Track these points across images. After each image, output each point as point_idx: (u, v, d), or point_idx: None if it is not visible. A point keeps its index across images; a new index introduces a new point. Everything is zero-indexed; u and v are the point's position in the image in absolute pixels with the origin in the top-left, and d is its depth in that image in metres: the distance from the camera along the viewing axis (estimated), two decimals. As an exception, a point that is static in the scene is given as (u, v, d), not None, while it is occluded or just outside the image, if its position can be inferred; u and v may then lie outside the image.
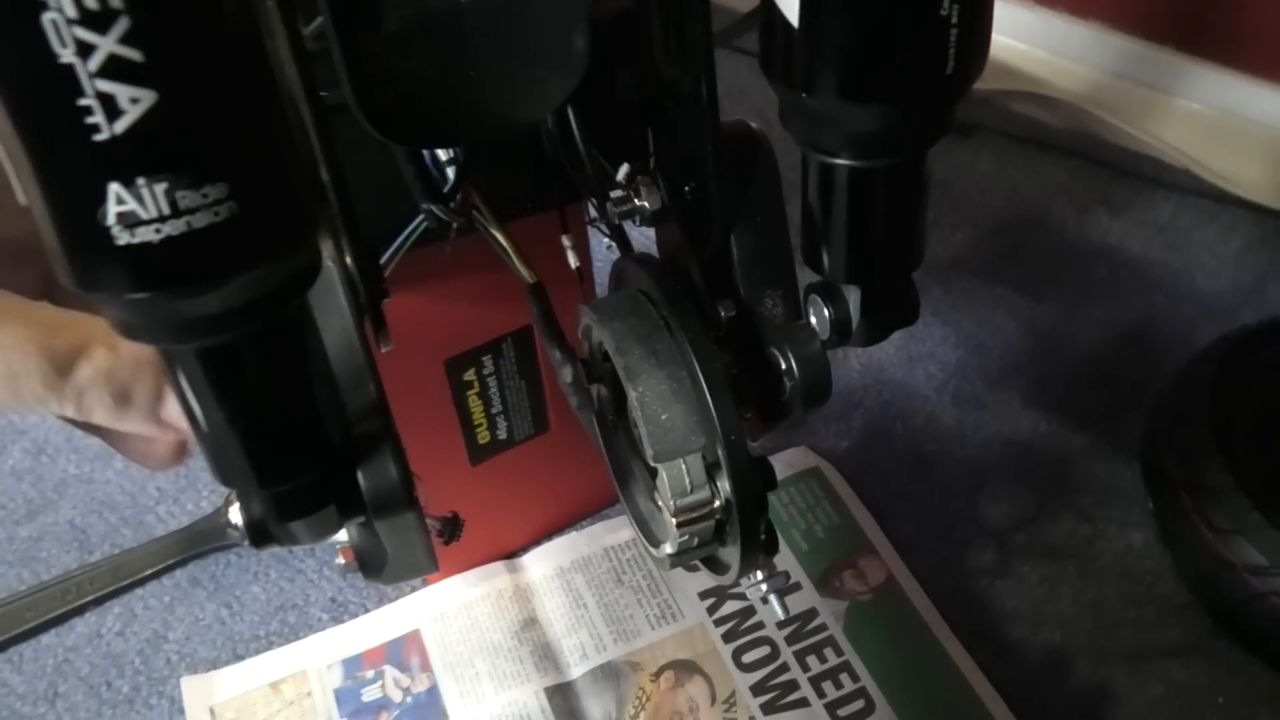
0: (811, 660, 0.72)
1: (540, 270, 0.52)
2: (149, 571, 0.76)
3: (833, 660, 0.72)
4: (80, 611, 0.74)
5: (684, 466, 0.34)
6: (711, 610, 0.74)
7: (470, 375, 0.65)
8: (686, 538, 0.35)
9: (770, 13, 0.29)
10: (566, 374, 0.50)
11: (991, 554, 0.78)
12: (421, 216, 0.49)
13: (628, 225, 0.43)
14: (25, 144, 0.20)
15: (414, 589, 0.75)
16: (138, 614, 0.75)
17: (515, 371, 0.66)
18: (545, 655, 0.71)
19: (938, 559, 0.78)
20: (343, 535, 0.74)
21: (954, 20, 0.26)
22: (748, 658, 0.72)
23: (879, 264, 0.32)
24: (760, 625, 0.73)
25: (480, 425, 0.67)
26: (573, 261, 0.54)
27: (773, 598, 0.39)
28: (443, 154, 0.48)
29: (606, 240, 0.52)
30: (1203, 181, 1.04)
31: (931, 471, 0.83)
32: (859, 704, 0.69)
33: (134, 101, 0.19)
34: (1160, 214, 1.04)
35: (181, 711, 0.69)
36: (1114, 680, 0.72)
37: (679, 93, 0.35)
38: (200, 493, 0.81)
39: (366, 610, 0.75)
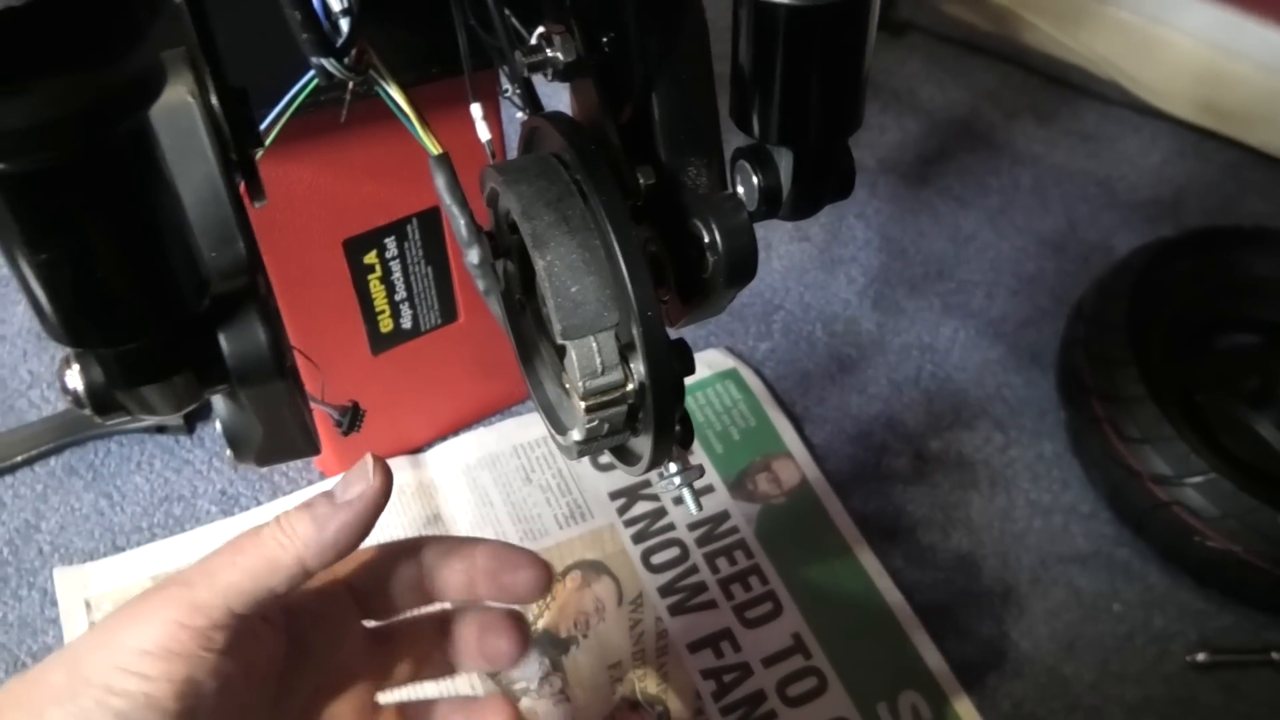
0: (722, 563, 0.71)
1: (448, 142, 0.47)
2: (20, 458, 0.70)
3: (743, 563, 0.71)
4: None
5: (595, 345, 0.31)
6: (622, 511, 0.72)
7: (371, 258, 0.60)
8: (595, 423, 0.32)
9: None
10: (474, 255, 0.46)
11: (906, 460, 0.78)
12: (311, 73, 0.44)
13: (541, 85, 0.39)
14: None
15: (310, 482, 0.72)
16: (7, 502, 0.70)
17: (421, 256, 0.62)
18: (448, 554, 0.69)
19: (853, 464, 0.77)
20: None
21: None
22: (657, 559, 0.70)
23: (815, 123, 0.29)
24: (671, 527, 0.72)
25: (383, 312, 0.63)
26: (483, 134, 0.49)
27: (685, 492, 0.37)
28: (335, 3, 0.43)
29: (520, 113, 0.48)
30: (1129, 93, 1.03)
31: (850, 376, 0.82)
32: (767, 606, 0.69)
33: None
34: (1086, 123, 1.03)
35: (54, 603, 0.64)
36: (1018, 586, 0.72)
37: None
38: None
39: (259, 504, 0.71)
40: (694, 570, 0.70)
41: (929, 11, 1.10)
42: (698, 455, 0.77)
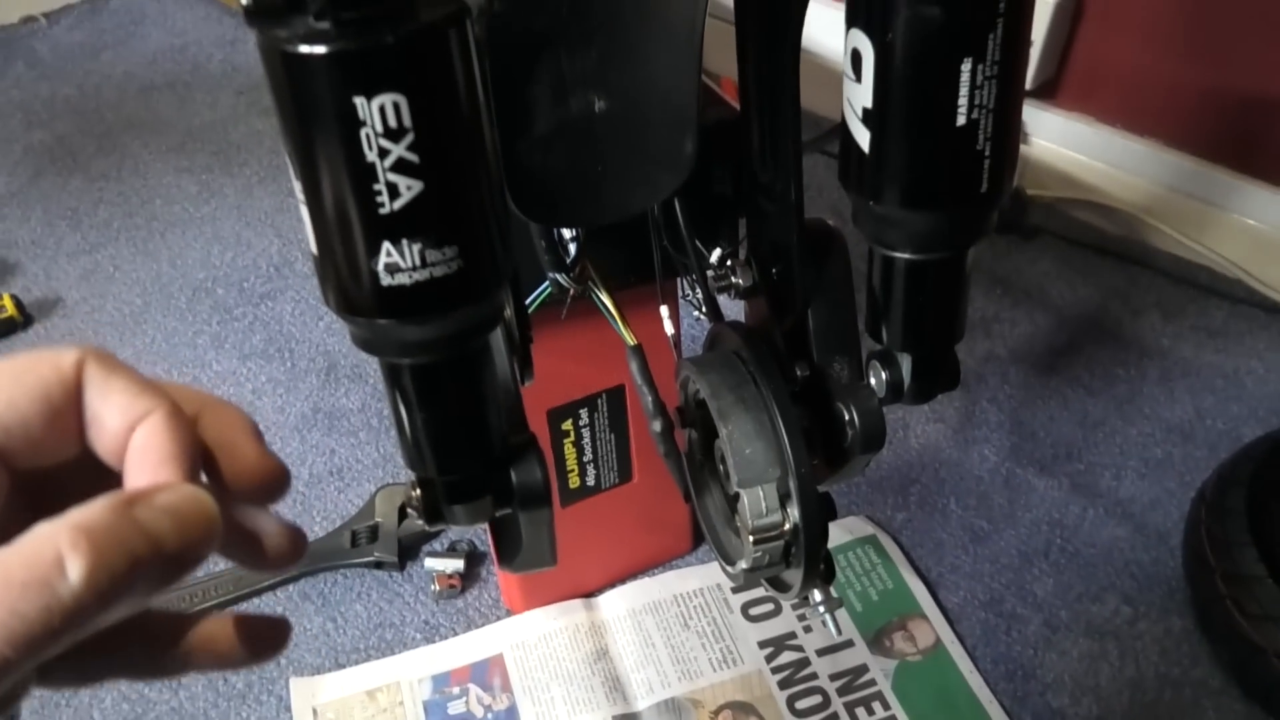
0: (860, 712, 0.77)
1: (637, 335, 0.61)
2: (266, 584, 0.85)
3: (880, 713, 0.77)
4: (204, 615, 0.83)
5: (761, 493, 0.42)
6: (770, 659, 0.81)
7: (568, 425, 0.73)
8: (760, 554, 0.43)
9: (848, 140, 0.37)
10: (657, 425, 0.58)
11: (1036, 627, 0.84)
12: (547, 283, 0.58)
13: (721, 299, 0.51)
14: (330, 211, 0.29)
15: (499, 618, 0.83)
16: (254, 623, 0.84)
17: (607, 425, 0.75)
18: (615, 686, 0.78)
19: (984, 628, 0.83)
20: (439, 565, 0.82)
21: (987, 154, 0.34)
22: (801, 705, 0.78)
23: (928, 336, 0.40)
24: (814, 676, 0.80)
25: (572, 471, 0.76)
26: (669, 329, 0.62)
27: (828, 618, 0.46)
28: (567, 233, 0.58)
29: (696, 313, 0.60)
30: (1255, 292, 1.10)
31: (982, 546, 0.89)
32: (903, 756, 0.75)
33: (408, 188, 0.29)
34: (1213, 320, 1.09)
35: (288, 709, 0.77)
36: (1148, 754, 0.76)
37: (772, 191, 0.44)
38: (314, 518, 0.90)
39: (456, 634, 0.82)
40: (835, 717, 0.77)
41: (1059, 217, 1.21)
42: (838, 613, 0.84)
